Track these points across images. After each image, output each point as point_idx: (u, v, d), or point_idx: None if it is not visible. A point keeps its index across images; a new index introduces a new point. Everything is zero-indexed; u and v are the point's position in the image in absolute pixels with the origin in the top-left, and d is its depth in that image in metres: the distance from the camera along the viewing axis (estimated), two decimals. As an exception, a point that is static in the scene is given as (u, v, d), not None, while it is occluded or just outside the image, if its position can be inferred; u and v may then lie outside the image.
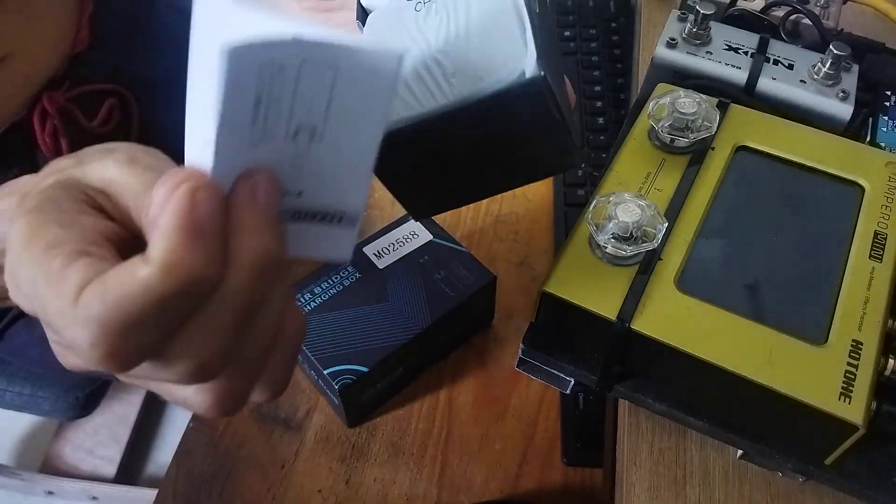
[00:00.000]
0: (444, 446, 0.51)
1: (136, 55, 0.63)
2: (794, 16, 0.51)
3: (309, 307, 0.50)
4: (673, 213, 0.36)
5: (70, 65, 0.57)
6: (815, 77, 0.45)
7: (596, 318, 0.33)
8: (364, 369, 0.47)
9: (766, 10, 0.52)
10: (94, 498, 1.05)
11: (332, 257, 0.26)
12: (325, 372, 0.46)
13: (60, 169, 0.24)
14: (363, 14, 0.34)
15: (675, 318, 0.32)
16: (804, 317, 0.33)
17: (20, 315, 0.70)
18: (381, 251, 0.53)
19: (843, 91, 0.44)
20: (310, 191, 0.24)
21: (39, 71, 0.54)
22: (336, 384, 0.46)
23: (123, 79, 0.59)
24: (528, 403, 0.53)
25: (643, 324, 0.32)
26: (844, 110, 0.44)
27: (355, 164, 0.24)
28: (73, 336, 0.19)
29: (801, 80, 0.45)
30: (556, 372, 0.36)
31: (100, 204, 0.23)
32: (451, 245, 0.53)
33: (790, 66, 0.46)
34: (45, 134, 0.54)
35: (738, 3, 0.53)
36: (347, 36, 0.20)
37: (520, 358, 0.37)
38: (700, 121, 0.39)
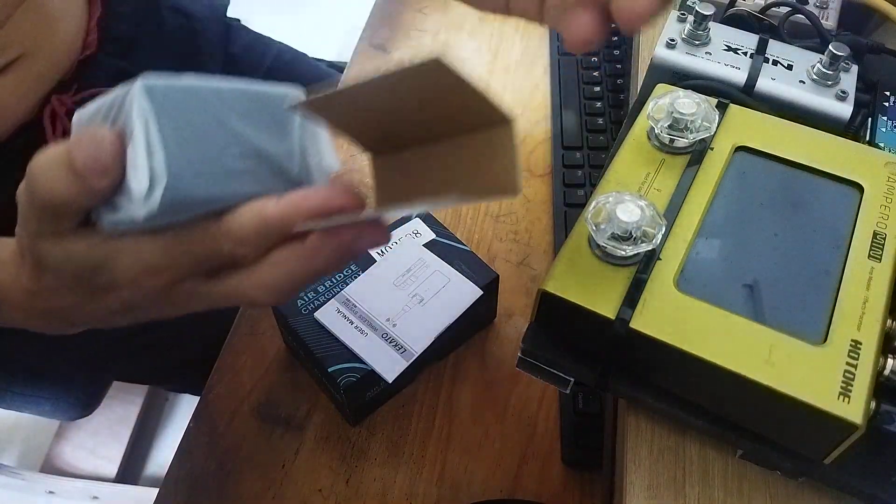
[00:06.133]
0: (444, 446, 0.51)
1: (141, 58, 0.64)
2: (794, 16, 0.51)
3: (312, 306, 0.50)
4: (672, 213, 0.36)
5: (79, 68, 0.58)
6: (815, 77, 0.45)
7: (595, 318, 0.33)
8: (367, 367, 0.47)
9: (765, 10, 0.52)
10: (96, 497, 1.05)
11: None
12: (328, 370, 0.47)
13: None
14: None
15: (674, 318, 0.32)
16: (803, 316, 0.33)
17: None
18: (383, 249, 0.53)
19: (842, 91, 0.44)
20: None
21: (51, 72, 0.55)
22: (340, 382, 0.46)
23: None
24: (528, 403, 0.53)
25: (642, 323, 0.32)
26: (843, 110, 0.44)
27: None
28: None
29: (801, 81, 0.45)
30: (555, 371, 0.36)
31: None
32: (453, 244, 0.53)
33: (789, 67, 0.46)
34: (56, 135, 0.54)
35: (738, 4, 0.53)
36: None
37: (520, 358, 0.37)
38: (699, 121, 0.39)
